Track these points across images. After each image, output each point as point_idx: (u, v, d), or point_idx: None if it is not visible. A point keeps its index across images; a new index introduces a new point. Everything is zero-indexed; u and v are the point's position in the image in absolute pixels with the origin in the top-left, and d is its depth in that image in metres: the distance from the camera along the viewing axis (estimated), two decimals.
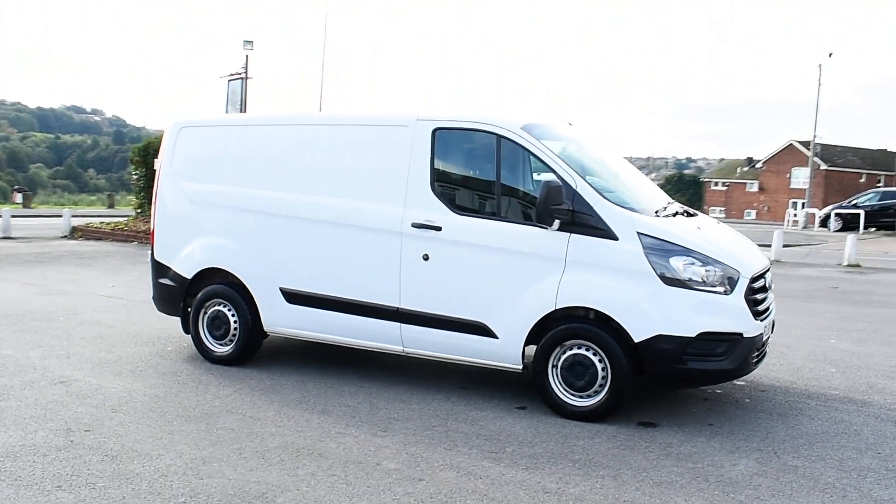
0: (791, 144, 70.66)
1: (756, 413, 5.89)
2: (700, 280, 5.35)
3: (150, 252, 7.41)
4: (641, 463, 4.77)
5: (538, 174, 5.96)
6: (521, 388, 6.25)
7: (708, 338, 5.30)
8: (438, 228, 5.89)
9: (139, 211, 21.58)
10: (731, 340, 5.37)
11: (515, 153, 5.85)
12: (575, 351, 5.54)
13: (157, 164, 7.45)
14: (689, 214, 6.28)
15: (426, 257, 5.93)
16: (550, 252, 5.56)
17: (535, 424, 5.45)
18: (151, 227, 7.38)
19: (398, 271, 6.04)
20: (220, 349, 6.93)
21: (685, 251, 5.39)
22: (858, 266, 17.21)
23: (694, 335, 5.27)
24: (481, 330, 5.79)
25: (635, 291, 5.36)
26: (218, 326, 6.92)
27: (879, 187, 48.04)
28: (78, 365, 6.80)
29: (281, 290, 6.58)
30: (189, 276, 6.98)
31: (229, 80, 23.14)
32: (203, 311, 6.98)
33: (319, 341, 6.63)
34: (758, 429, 5.51)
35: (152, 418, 5.39)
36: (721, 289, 5.38)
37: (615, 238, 5.42)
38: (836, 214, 32.68)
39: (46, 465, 4.45)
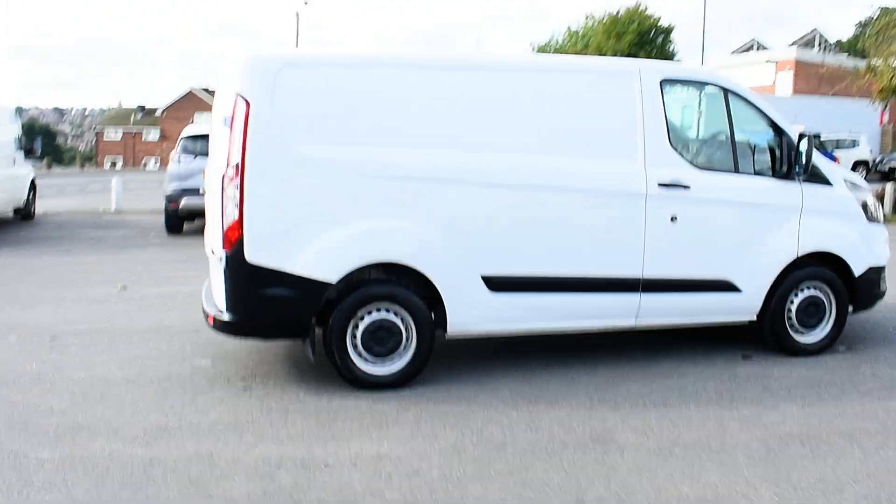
0: (191, 92, 75.15)
1: (877, 324, 7.04)
2: (878, 217, 6.40)
3: (225, 255, 5.06)
4: None
5: (749, 128, 6.15)
6: (714, 340, 6.37)
7: (885, 265, 6.39)
8: (687, 187, 5.64)
9: None
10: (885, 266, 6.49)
11: (739, 108, 5.94)
12: (807, 293, 6.04)
13: (222, 119, 5.24)
14: None
15: (674, 218, 5.62)
16: (789, 202, 5.92)
17: (794, 366, 5.81)
18: (231, 219, 5.00)
19: (642, 236, 5.59)
20: (383, 369, 5.25)
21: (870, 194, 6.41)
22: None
23: (885, 263, 6.32)
24: (725, 287, 5.82)
25: (854, 232, 6.14)
26: (381, 340, 5.22)
27: None
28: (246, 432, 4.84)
29: (484, 278, 5.36)
30: (334, 280, 5.10)
31: None
32: (352, 323, 5.23)
33: (526, 334, 5.75)
34: None
35: (545, 456, 4.28)
36: (882, 222, 6.50)
37: (830, 184, 6.06)
38: None
39: None
